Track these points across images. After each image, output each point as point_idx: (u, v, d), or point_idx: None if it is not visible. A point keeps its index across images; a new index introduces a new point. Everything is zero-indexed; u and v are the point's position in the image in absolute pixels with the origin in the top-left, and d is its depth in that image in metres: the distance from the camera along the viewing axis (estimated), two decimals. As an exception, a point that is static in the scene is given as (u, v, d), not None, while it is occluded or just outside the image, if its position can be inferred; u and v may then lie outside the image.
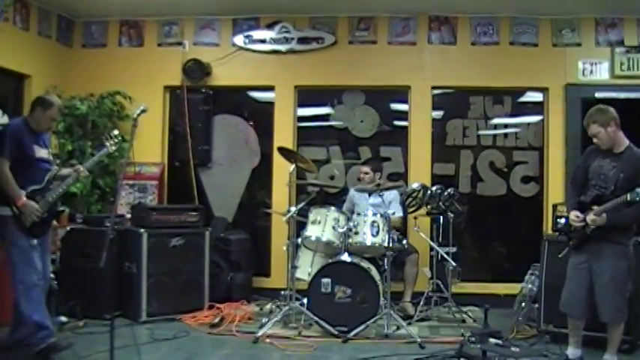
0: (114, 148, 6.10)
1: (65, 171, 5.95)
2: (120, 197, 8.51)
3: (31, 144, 5.63)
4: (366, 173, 7.94)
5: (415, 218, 7.77)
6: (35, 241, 5.56)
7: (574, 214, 5.59)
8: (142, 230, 7.22)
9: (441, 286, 7.73)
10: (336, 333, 6.65)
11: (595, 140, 5.53)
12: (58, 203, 5.82)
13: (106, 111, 8.55)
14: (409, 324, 7.00)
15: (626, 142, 5.53)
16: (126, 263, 7.33)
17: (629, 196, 5.08)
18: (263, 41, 8.95)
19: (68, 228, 7.51)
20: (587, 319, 5.72)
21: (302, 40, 8.91)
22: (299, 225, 7.47)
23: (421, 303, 7.60)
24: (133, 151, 6.16)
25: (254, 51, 8.98)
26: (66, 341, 5.69)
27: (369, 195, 7.81)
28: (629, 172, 5.34)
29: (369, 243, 7.00)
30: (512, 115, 9.06)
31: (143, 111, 5.27)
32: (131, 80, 8.82)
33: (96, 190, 8.42)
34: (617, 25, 8.65)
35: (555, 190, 8.58)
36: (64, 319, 6.76)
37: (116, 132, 6.18)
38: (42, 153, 5.74)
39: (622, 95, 8.38)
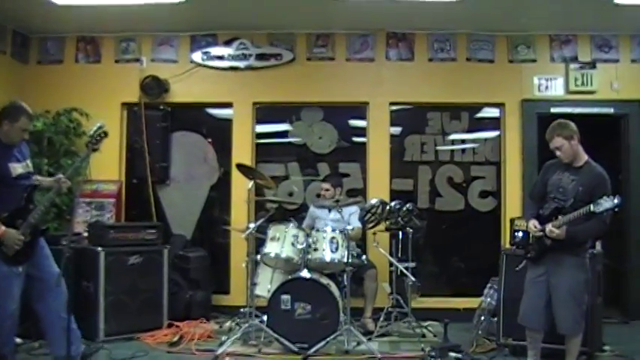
0: (97, 145, 5.61)
1: (46, 182, 5.70)
2: (77, 215, 8.39)
3: (5, 163, 5.34)
4: (327, 190, 7.97)
5: (374, 234, 7.77)
6: (20, 269, 5.31)
7: (532, 223, 5.64)
8: (100, 249, 7.13)
9: (401, 301, 7.70)
10: (297, 350, 6.61)
11: (558, 153, 5.57)
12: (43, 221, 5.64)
13: (63, 128, 8.43)
14: (369, 340, 6.98)
15: (585, 156, 5.61)
16: (83, 282, 7.20)
17: (592, 207, 5.14)
18: (221, 58, 8.94)
19: (24, 246, 7.37)
20: (546, 332, 5.75)
21: (260, 57, 8.91)
22: (258, 242, 7.44)
23: (381, 318, 7.57)
24: (90, 168, 6.12)
25: (212, 67, 8.97)
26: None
27: (329, 211, 7.82)
28: (588, 186, 5.40)
29: (328, 259, 6.98)
30: (469, 131, 9.15)
31: (100, 128, 5.22)
32: (88, 97, 8.73)
33: (52, 208, 8.20)
34: (571, 42, 8.80)
35: (513, 205, 8.66)
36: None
37: (98, 126, 5.66)
38: (19, 169, 5.43)
39: (577, 110, 8.46)
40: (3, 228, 5.20)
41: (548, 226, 5.40)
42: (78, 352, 5.56)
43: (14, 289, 5.32)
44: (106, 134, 5.59)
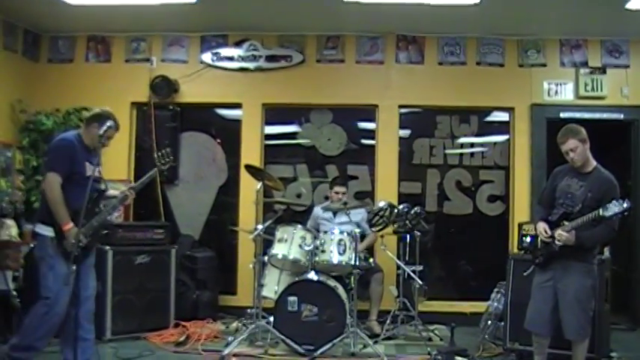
0: (164, 167, 5.87)
1: (112, 192, 5.76)
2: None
3: (83, 161, 5.39)
4: (344, 193, 7.99)
5: (382, 237, 7.76)
6: (74, 267, 5.20)
7: (542, 226, 5.62)
8: (108, 248, 7.15)
9: (408, 304, 7.71)
10: (303, 351, 6.62)
11: (571, 155, 5.51)
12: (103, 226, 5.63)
13: (72, 127, 8.28)
14: (375, 342, 6.99)
15: (594, 162, 5.58)
16: (91, 281, 7.23)
17: (601, 211, 5.12)
18: (231, 59, 8.96)
19: (32, 245, 7.30)
20: (552, 337, 5.73)
21: (270, 58, 8.92)
22: (266, 243, 7.44)
23: (388, 321, 7.59)
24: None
25: (222, 68, 8.98)
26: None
27: (334, 214, 7.83)
28: (597, 192, 5.37)
29: (335, 261, 6.98)
30: (478, 135, 9.15)
31: (110, 127, 5.22)
32: (98, 96, 8.65)
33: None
34: (581, 47, 8.79)
35: (521, 209, 8.65)
36: None
37: (168, 150, 5.92)
38: (90, 172, 5.39)
39: (586, 115, 8.47)
40: (71, 224, 5.22)
41: (558, 231, 5.37)
42: None
43: (67, 289, 5.24)
44: (170, 155, 5.82)
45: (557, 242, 5.36)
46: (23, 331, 5.43)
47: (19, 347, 5.40)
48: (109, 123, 5.27)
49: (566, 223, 5.44)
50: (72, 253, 5.14)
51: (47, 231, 5.30)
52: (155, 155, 5.92)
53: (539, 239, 5.71)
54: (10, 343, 5.45)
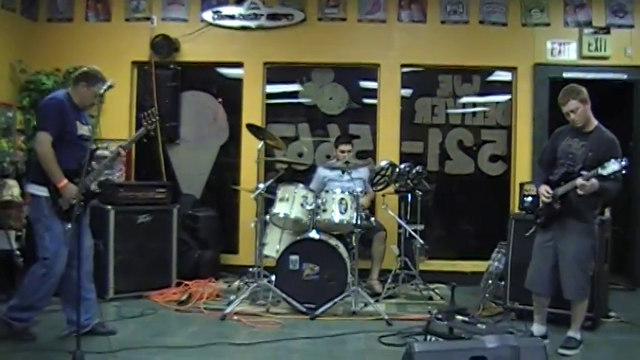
0: (151, 127, 5.85)
1: (102, 151, 5.78)
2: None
3: (73, 120, 5.43)
4: (349, 151, 7.99)
5: (383, 196, 7.78)
6: (69, 226, 5.32)
7: (544, 188, 5.64)
8: (109, 207, 7.17)
9: (409, 263, 7.76)
10: (304, 310, 6.68)
11: (572, 116, 5.53)
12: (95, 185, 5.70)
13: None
14: (376, 301, 7.05)
15: (595, 122, 5.59)
16: (93, 240, 7.23)
17: (599, 170, 5.13)
18: (232, 17, 8.89)
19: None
20: (552, 297, 5.79)
21: (271, 17, 8.87)
22: (267, 202, 7.46)
23: (389, 280, 7.64)
24: (99, 127, 6.14)
25: (223, 27, 8.92)
26: (31, 335, 5.55)
27: (343, 172, 7.85)
28: (597, 151, 5.38)
29: (337, 220, 7.02)
30: (480, 94, 9.12)
31: (110, 87, 5.21)
32: (98, 55, 8.54)
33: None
34: (585, 6, 8.71)
35: (522, 169, 8.66)
36: None
37: (154, 109, 5.90)
38: (83, 130, 5.52)
39: (589, 76, 8.40)
40: (65, 180, 5.28)
41: (579, 180, 5.28)
42: (90, 322, 5.59)
43: (64, 248, 5.36)
44: (157, 114, 5.77)
45: (578, 191, 5.30)
46: (22, 292, 5.49)
47: (19, 308, 5.46)
48: (109, 82, 5.26)
49: (561, 183, 5.49)
50: (69, 211, 5.21)
51: (41, 191, 5.34)
52: (142, 115, 5.92)
53: (540, 199, 5.74)
54: (8, 305, 5.50)
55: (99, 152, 5.77)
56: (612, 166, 5.08)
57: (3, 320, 5.43)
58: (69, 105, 5.47)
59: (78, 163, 5.33)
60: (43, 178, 5.30)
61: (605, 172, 5.11)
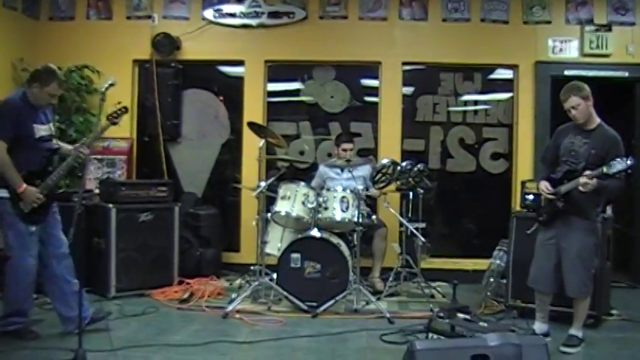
0: (117, 121, 5.71)
1: (65, 148, 5.75)
2: (88, 172, 8.45)
3: (30, 123, 5.37)
4: (351, 150, 8.00)
5: (385, 194, 7.78)
6: (34, 228, 5.41)
7: (544, 185, 5.66)
8: (111, 205, 7.19)
9: (410, 261, 7.76)
10: (306, 308, 6.69)
11: (573, 113, 5.53)
12: (58, 185, 5.71)
13: (74, 85, 8.44)
14: (378, 299, 7.04)
15: (598, 119, 5.60)
16: (94, 239, 7.29)
17: (604, 169, 5.13)
18: (233, 15, 8.90)
19: (35, 204, 7.43)
20: (554, 295, 5.81)
21: (273, 15, 8.87)
22: (269, 200, 7.47)
23: (390, 278, 7.65)
24: (101, 125, 6.11)
25: (224, 25, 8.93)
26: (32, 332, 5.60)
27: (342, 171, 7.85)
28: (600, 149, 5.40)
29: (338, 218, 7.03)
30: (482, 92, 9.12)
31: (111, 85, 5.22)
32: (99, 54, 8.72)
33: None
34: (586, 4, 8.69)
35: (524, 167, 8.67)
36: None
37: (109, 83, 5.58)
38: (42, 131, 5.47)
39: (591, 73, 8.40)
40: (24, 185, 5.27)
41: (582, 179, 5.28)
42: (87, 314, 5.61)
43: (31, 245, 5.41)
44: (126, 110, 5.68)
45: (581, 189, 5.30)
46: (6, 300, 5.54)
47: (9, 315, 5.51)
48: (110, 81, 5.25)
49: (565, 181, 5.51)
50: (31, 213, 5.27)
51: (2, 193, 5.32)
52: (99, 92, 5.68)
53: (542, 197, 5.74)
54: (0, 322, 5.53)
55: (62, 150, 5.73)
56: (617, 165, 5.08)
57: (2, 332, 5.47)
58: (25, 106, 5.42)
59: (38, 165, 5.40)
60: (2, 181, 5.30)
61: (610, 171, 5.12)
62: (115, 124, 5.66)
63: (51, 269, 5.57)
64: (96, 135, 5.77)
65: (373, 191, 7.61)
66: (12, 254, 5.39)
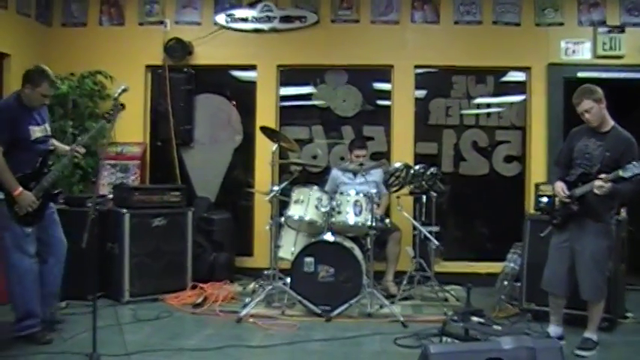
0: (112, 118, 5.59)
1: (61, 149, 5.82)
2: (102, 177, 8.53)
3: (25, 125, 5.43)
4: (364, 156, 7.99)
5: (398, 197, 7.76)
6: (30, 230, 5.47)
7: (560, 186, 5.65)
8: (124, 210, 7.21)
9: (424, 265, 7.75)
10: (319, 312, 6.70)
11: (587, 116, 5.53)
12: (55, 185, 5.73)
13: (87, 90, 8.49)
14: (392, 303, 7.05)
15: (612, 122, 5.59)
16: (108, 244, 7.31)
17: (620, 172, 5.14)
18: (245, 20, 8.93)
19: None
20: (568, 298, 5.79)
21: (284, 19, 8.90)
22: (282, 204, 7.47)
23: (404, 282, 7.65)
24: (114, 131, 6.16)
25: (236, 30, 8.95)
26: (49, 335, 5.65)
27: (355, 175, 7.88)
28: (615, 151, 5.39)
29: (351, 222, 7.02)
30: (494, 95, 9.11)
31: (124, 90, 5.22)
32: (112, 59, 8.77)
33: (77, 171, 8.33)
34: (599, 5, 8.66)
35: (538, 170, 8.64)
36: None
37: (122, 88, 5.59)
38: (38, 133, 5.53)
39: (604, 75, 8.36)
40: (20, 189, 5.31)
41: (598, 182, 5.29)
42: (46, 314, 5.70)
43: (27, 246, 5.48)
44: (123, 106, 5.65)
45: (596, 192, 5.30)
46: (14, 304, 5.58)
47: (20, 320, 5.55)
48: (123, 86, 5.25)
49: (579, 184, 5.52)
50: (27, 216, 5.35)
51: None
52: (112, 98, 5.79)
53: (556, 199, 5.74)
54: (14, 328, 5.57)
55: (58, 150, 5.80)
56: (634, 169, 5.09)
57: (17, 337, 5.52)
58: (19, 109, 5.47)
59: (33, 167, 5.45)
60: None
61: (626, 175, 5.13)
62: (109, 122, 5.60)
63: (48, 266, 5.69)
64: (90, 135, 5.84)
65: (376, 210, 7.42)
66: (9, 255, 5.45)
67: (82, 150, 5.69)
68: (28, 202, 5.33)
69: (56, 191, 5.81)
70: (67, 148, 5.75)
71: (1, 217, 5.40)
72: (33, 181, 5.43)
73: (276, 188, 7.26)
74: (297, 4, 8.93)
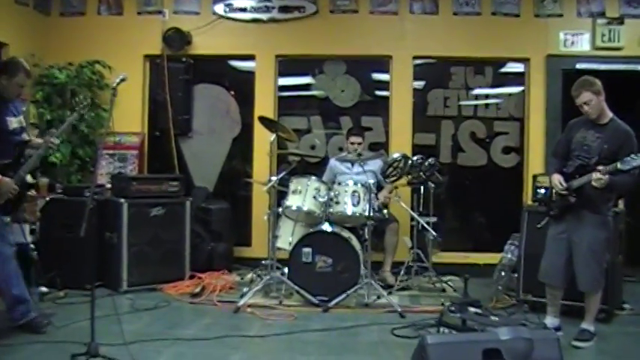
0: (83, 111, 5.83)
1: (35, 141, 5.79)
2: (100, 167, 8.54)
3: (3, 116, 5.46)
4: (360, 143, 7.96)
5: (396, 188, 7.82)
6: (8, 219, 5.51)
7: (557, 178, 5.65)
8: (123, 200, 7.23)
9: (422, 255, 7.79)
10: (317, 302, 6.72)
11: (586, 108, 5.53)
12: (30, 176, 5.73)
13: (86, 80, 8.51)
14: (389, 293, 7.07)
15: (610, 114, 5.59)
16: (106, 233, 7.33)
17: (619, 165, 5.14)
18: (244, 10, 8.94)
19: (48, 198, 7.49)
20: (566, 289, 5.81)
21: (283, 9, 8.92)
22: (280, 194, 7.49)
23: (402, 272, 7.68)
24: (112, 120, 6.16)
25: (235, 19, 8.97)
26: (46, 319, 5.68)
27: (352, 165, 7.90)
28: (613, 143, 5.40)
29: (349, 212, 7.03)
30: (493, 86, 9.14)
31: (123, 80, 5.21)
32: (111, 49, 8.79)
33: (76, 160, 8.41)
34: (598, -4, 8.71)
35: (536, 161, 8.69)
36: (44, 289, 6.77)
37: (82, 96, 5.85)
38: (15, 124, 5.55)
39: (603, 67, 8.40)
40: (0, 177, 5.31)
41: (596, 174, 5.28)
42: None
43: (6, 234, 5.51)
44: (92, 101, 5.65)
45: (594, 184, 5.30)
46: (2, 292, 5.57)
47: (11, 307, 5.55)
48: (121, 76, 5.25)
49: (576, 176, 5.52)
50: (6, 204, 5.35)
51: None
52: (73, 101, 5.92)
53: (554, 191, 5.75)
54: (9, 317, 5.57)
55: (33, 142, 5.75)
56: (632, 161, 5.09)
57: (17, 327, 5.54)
58: None
59: (11, 157, 5.44)
60: None
61: (624, 167, 5.12)
62: (81, 115, 5.80)
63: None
64: (64, 128, 5.84)
65: (380, 196, 7.56)
66: None
67: (56, 141, 5.69)
68: (8, 188, 5.32)
69: (31, 182, 5.84)
70: (41, 140, 5.72)
71: None
72: (11, 171, 5.42)
73: (274, 178, 7.27)
74: (296, -6, 8.94)
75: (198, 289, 7.19)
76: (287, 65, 9.23)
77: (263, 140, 8.20)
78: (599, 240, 5.56)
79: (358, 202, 7.04)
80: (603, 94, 5.52)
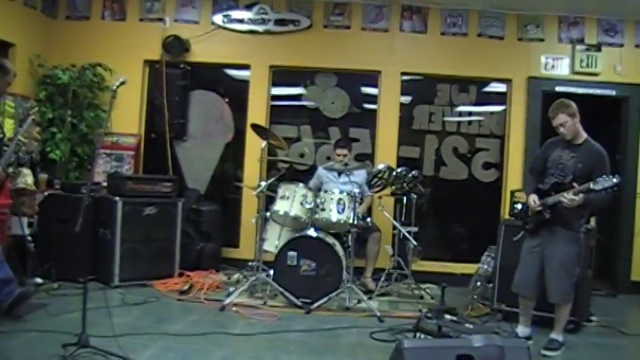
0: (31, 112, 5.86)
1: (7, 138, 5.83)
2: (97, 166, 8.64)
3: None
4: (345, 155, 8.09)
5: (380, 198, 7.94)
6: None
7: (532, 198, 5.85)
8: (117, 198, 7.35)
9: (402, 263, 7.93)
10: (300, 304, 6.86)
11: (561, 130, 5.72)
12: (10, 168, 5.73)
13: (87, 82, 8.62)
14: (370, 298, 7.22)
15: (585, 135, 5.79)
16: (101, 229, 7.43)
17: (591, 185, 5.32)
18: (241, 21, 9.10)
19: (46, 193, 7.63)
20: (537, 300, 6.01)
21: (279, 22, 9.07)
22: (268, 199, 7.64)
23: (382, 279, 7.80)
24: (111, 121, 6.19)
25: (232, 30, 9.12)
26: (32, 292, 5.78)
27: (339, 174, 8.08)
28: (587, 163, 5.61)
29: (334, 219, 7.16)
30: (476, 104, 9.32)
31: (122, 83, 5.21)
32: (112, 53, 8.91)
33: (74, 158, 8.52)
34: (578, 24, 8.95)
35: (514, 177, 8.88)
36: (39, 280, 6.88)
37: (120, 81, 5.48)
38: None
39: (580, 90, 8.65)
40: None
41: (569, 195, 5.48)
42: None
43: None
44: (39, 110, 5.78)
45: (566, 203, 5.50)
46: None
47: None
48: (122, 79, 5.36)
49: (552, 194, 5.72)
50: None
51: None
52: (26, 106, 6.13)
53: (530, 207, 5.95)
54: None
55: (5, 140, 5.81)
56: (604, 182, 5.27)
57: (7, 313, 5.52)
58: None
59: None
60: None
61: (596, 187, 5.31)
62: (35, 120, 5.95)
63: None
64: (25, 128, 5.82)
65: (359, 208, 7.51)
66: None
67: (24, 139, 5.76)
68: None
69: (11, 172, 5.93)
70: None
71: None
72: None
73: (263, 184, 7.40)
74: (291, 8, 9.10)
75: (186, 287, 7.34)
76: (280, 76, 9.36)
77: (254, 146, 8.33)
78: (570, 255, 5.75)
79: (343, 210, 7.16)
80: (578, 116, 5.71)
